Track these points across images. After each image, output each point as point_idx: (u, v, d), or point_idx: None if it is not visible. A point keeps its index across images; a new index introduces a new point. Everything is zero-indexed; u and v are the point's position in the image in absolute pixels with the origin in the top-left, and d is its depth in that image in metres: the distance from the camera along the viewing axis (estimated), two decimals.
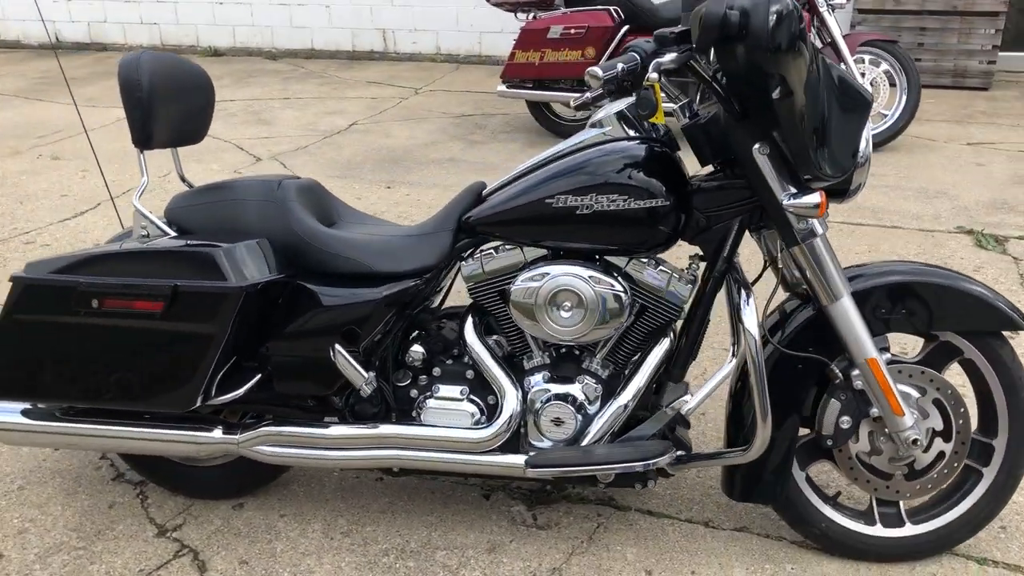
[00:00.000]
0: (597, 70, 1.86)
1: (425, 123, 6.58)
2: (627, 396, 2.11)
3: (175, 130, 2.24)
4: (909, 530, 2.17)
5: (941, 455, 2.11)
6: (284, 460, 2.22)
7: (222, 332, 2.05)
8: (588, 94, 2.46)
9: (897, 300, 2.06)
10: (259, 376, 2.20)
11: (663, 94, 2.14)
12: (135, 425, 2.22)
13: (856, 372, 2.05)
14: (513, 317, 2.12)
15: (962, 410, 2.10)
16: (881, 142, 5.60)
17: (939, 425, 2.10)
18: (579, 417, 2.12)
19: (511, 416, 2.12)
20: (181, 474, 2.46)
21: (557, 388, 2.14)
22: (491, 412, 2.19)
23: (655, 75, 1.86)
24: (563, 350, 2.20)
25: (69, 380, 2.13)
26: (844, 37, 5.41)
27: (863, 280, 2.07)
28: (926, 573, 2.16)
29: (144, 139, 2.18)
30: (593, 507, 2.41)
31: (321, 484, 2.53)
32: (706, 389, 2.09)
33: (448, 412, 2.19)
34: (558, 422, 2.12)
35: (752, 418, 2.07)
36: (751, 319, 1.97)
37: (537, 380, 2.16)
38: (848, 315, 2.01)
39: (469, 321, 2.20)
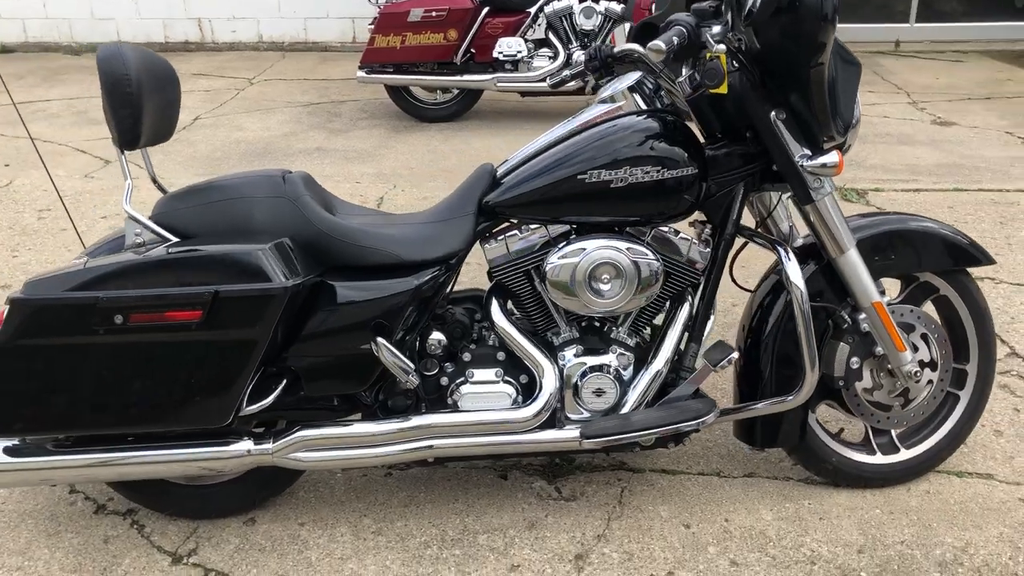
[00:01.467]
0: (660, 43, 1.91)
1: (275, 114, 6.34)
2: (661, 361, 2.19)
3: (152, 128, 2.08)
4: (904, 455, 2.40)
5: (930, 383, 2.34)
6: (325, 464, 2.13)
7: (264, 337, 1.93)
8: (566, 72, 2.52)
9: (888, 247, 2.25)
10: (284, 381, 2.10)
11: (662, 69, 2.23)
12: (152, 448, 2.06)
13: (863, 316, 2.23)
14: (550, 294, 2.14)
15: (944, 341, 2.34)
16: None
17: (927, 357, 2.33)
18: (617, 386, 2.18)
19: (552, 392, 2.15)
20: (182, 495, 2.30)
21: (592, 360, 2.19)
22: (526, 391, 2.20)
23: (722, 47, 1.93)
24: (588, 323, 2.25)
25: (84, 407, 1.95)
26: None
27: (859, 232, 2.25)
28: (920, 491, 2.40)
29: (132, 139, 2.01)
30: (609, 473, 2.48)
31: (329, 487, 2.45)
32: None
33: (486, 396, 2.18)
34: (599, 392, 2.17)
35: (770, 368, 2.22)
36: (795, 273, 2.09)
37: (569, 355, 2.20)
38: (855, 265, 2.18)
39: (494, 303, 2.20)
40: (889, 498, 2.37)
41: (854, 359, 2.26)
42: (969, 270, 2.35)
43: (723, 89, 1.96)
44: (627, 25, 2.53)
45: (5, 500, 2.40)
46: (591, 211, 2.12)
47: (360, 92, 6.80)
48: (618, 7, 5.67)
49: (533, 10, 5.76)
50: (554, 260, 2.11)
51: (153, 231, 2.04)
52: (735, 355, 2.16)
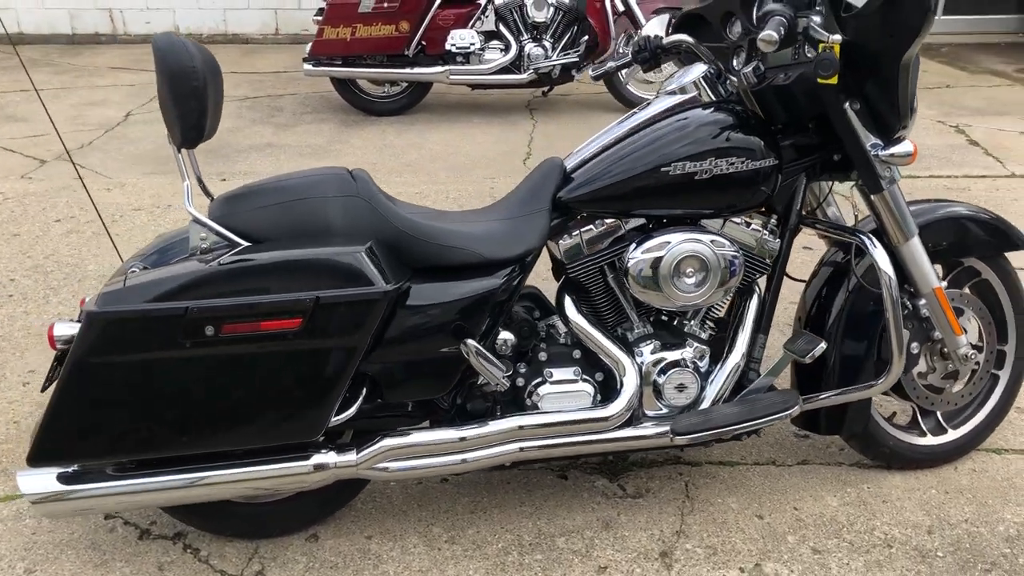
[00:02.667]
0: (773, 34, 1.89)
1: None
2: (737, 354, 2.18)
3: (210, 124, 1.94)
4: (951, 435, 2.47)
5: (977, 364, 2.41)
6: (412, 474, 2.04)
7: (363, 344, 1.83)
8: (611, 63, 2.49)
9: (942, 234, 2.31)
10: (365, 389, 2.00)
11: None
12: (230, 466, 1.92)
13: (923, 302, 2.28)
14: (630, 289, 2.11)
15: (990, 324, 2.42)
16: None
17: (975, 340, 2.40)
18: (698, 380, 2.16)
19: (635, 389, 2.11)
20: (242, 514, 2.16)
21: (671, 355, 2.16)
22: (602, 389, 2.16)
23: (838, 37, 1.92)
24: (659, 318, 2.23)
25: (165, 427, 1.80)
26: (638, 4, 5.77)
27: (915, 219, 2.29)
28: (966, 469, 2.47)
29: (196, 136, 1.88)
30: (669, 468, 2.46)
31: (387, 496, 2.35)
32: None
33: (567, 395, 2.13)
34: (681, 388, 2.15)
35: (835, 357, 2.25)
36: (884, 259, 2.11)
37: (646, 350, 2.17)
38: (918, 252, 2.22)
39: (568, 301, 2.15)
40: (941, 478, 2.44)
41: (914, 344, 2.31)
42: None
43: (834, 80, 1.96)
44: (665, 16, 2.49)
45: (35, 531, 2.21)
46: (672, 204, 2.09)
47: (297, 86, 6.59)
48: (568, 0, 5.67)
49: (483, 1, 5.70)
50: (637, 255, 2.08)
51: (221, 235, 1.90)
52: (824, 345, 2.17)
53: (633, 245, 2.09)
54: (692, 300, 2.10)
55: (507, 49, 5.70)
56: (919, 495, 2.37)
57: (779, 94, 2.14)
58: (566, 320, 2.14)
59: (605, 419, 2.10)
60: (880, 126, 2.10)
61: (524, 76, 5.72)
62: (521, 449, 2.08)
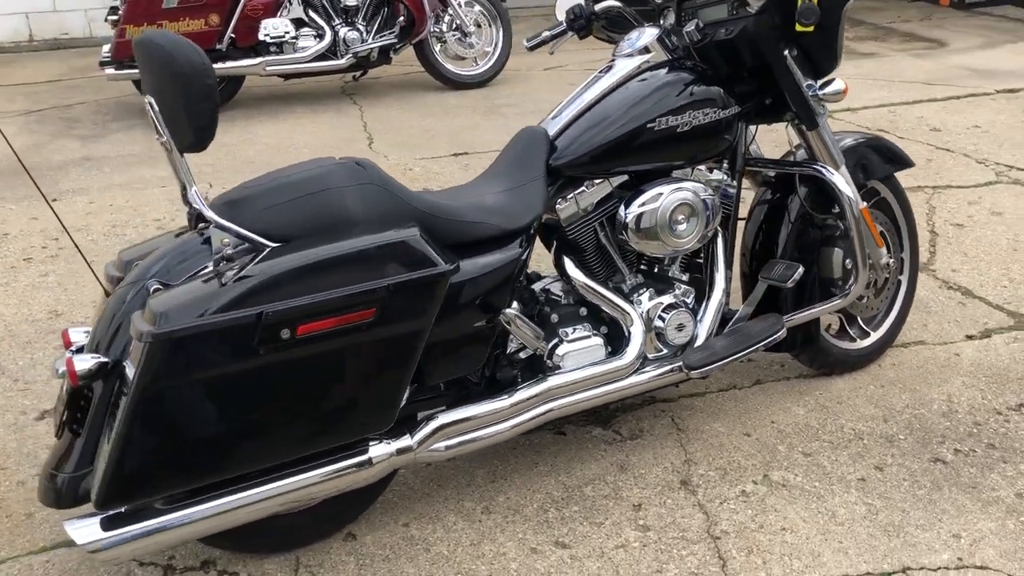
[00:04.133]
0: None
1: None
2: (719, 290, 2.38)
3: None
4: (873, 338, 2.82)
5: (890, 272, 2.77)
6: (462, 450, 2.06)
7: (428, 325, 1.83)
8: (545, 33, 2.59)
9: (852, 161, 2.62)
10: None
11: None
12: (288, 475, 1.85)
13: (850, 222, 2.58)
14: (631, 242, 2.23)
15: (894, 235, 2.78)
16: (491, 77, 6.21)
17: (888, 251, 2.75)
18: (693, 319, 2.33)
19: (643, 334, 2.25)
20: (274, 528, 2.07)
21: (666, 299, 2.31)
22: (609, 340, 2.28)
23: None
24: (645, 269, 2.37)
25: (238, 444, 1.72)
26: None
27: None
28: (888, 365, 2.83)
29: (206, 138, 1.79)
30: (648, 408, 2.63)
31: (404, 485, 2.33)
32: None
33: (584, 351, 2.22)
34: (680, 327, 2.30)
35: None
36: (843, 183, 2.37)
37: (644, 298, 2.31)
38: (847, 178, 2.52)
39: (568, 262, 2.24)
40: (872, 375, 2.78)
41: (848, 260, 2.61)
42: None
43: (811, 28, 2.16)
44: None
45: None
46: (657, 157, 2.23)
47: (83, 93, 6.09)
48: None
49: None
50: (635, 208, 2.20)
51: (247, 237, 1.82)
52: (802, 269, 2.40)
53: (628, 200, 2.22)
54: (684, 244, 2.26)
55: (321, 36, 5.59)
56: (863, 392, 2.69)
57: (721, 48, 2.34)
58: (568, 280, 2.23)
59: (624, 367, 2.22)
60: (814, 69, 2.36)
61: (343, 62, 5.64)
62: (551, 409, 2.16)
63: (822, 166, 2.42)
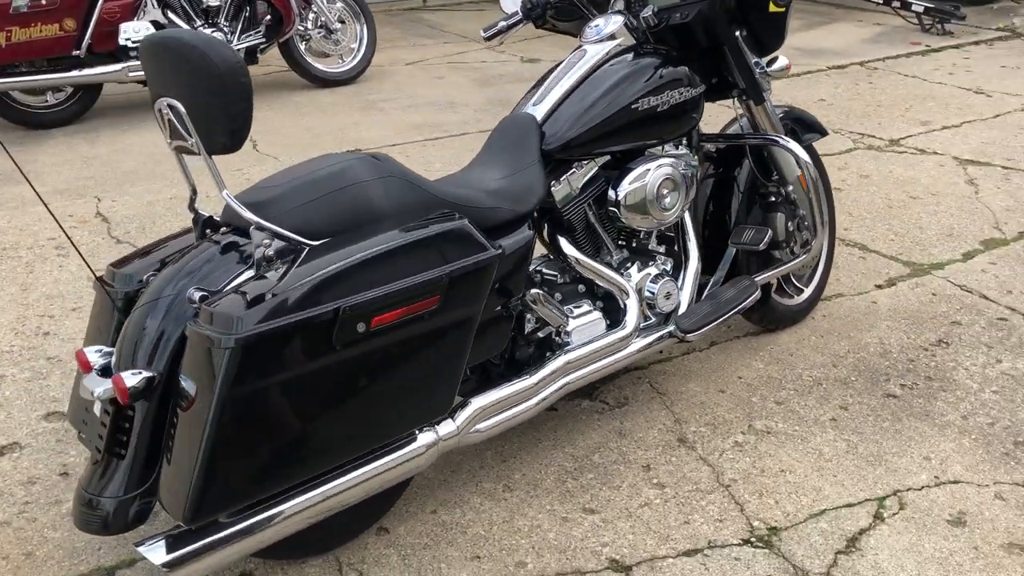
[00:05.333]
0: None
1: None
2: (695, 258, 2.54)
3: None
4: (806, 293, 3.07)
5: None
6: (498, 430, 2.11)
7: (480, 310, 1.87)
8: (502, 23, 2.68)
9: (785, 131, 2.85)
10: None
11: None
12: (344, 472, 1.84)
13: (790, 187, 2.81)
14: (623, 218, 2.34)
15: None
16: (359, 73, 6.16)
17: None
18: (677, 287, 2.48)
19: (637, 305, 2.38)
20: (309, 529, 2.05)
21: (652, 271, 2.45)
22: (607, 313, 2.39)
23: None
24: (627, 243, 2.50)
25: (319, 441, 1.70)
26: None
27: None
28: (820, 316, 3.10)
29: (241, 139, 1.76)
30: (625, 377, 2.76)
31: (420, 474, 2.35)
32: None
33: (589, 326, 2.32)
34: (668, 295, 2.45)
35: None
36: (801, 150, 2.57)
37: (633, 271, 2.43)
38: (787, 147, 2.74)
39: (563, 242, 2.33)
40: (811, 328, 3.04)
41: (790, 223, 2.84)
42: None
43: (784, 8, 2.34)
44: None
45: None
46: (639, 136, 2.36)
47: None
48: None
49: None
50: (625, 186, 2.32)
51: (287, 237, 1.80)
52: (771, 232, 2.59)
53: (616, 179, 2.33)
54: (669, 216, 2.40)
55: None
56: (807, 343, 2.94)
57: (676, 31, 2.49)
58: (564, 260, 2.32)
59: (626, 336, 2.34)
60: (760, 48, 2.56)
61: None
62: (568, 383, 2.25)
63: (781, 137, 2.63)
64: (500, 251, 1.89)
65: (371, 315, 1.68)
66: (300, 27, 5.74)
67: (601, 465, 2.38)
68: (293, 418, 1.66)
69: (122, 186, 4.35)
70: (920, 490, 2.27)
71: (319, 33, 5.86)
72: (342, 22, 6.01)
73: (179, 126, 1.77)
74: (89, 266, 1.91)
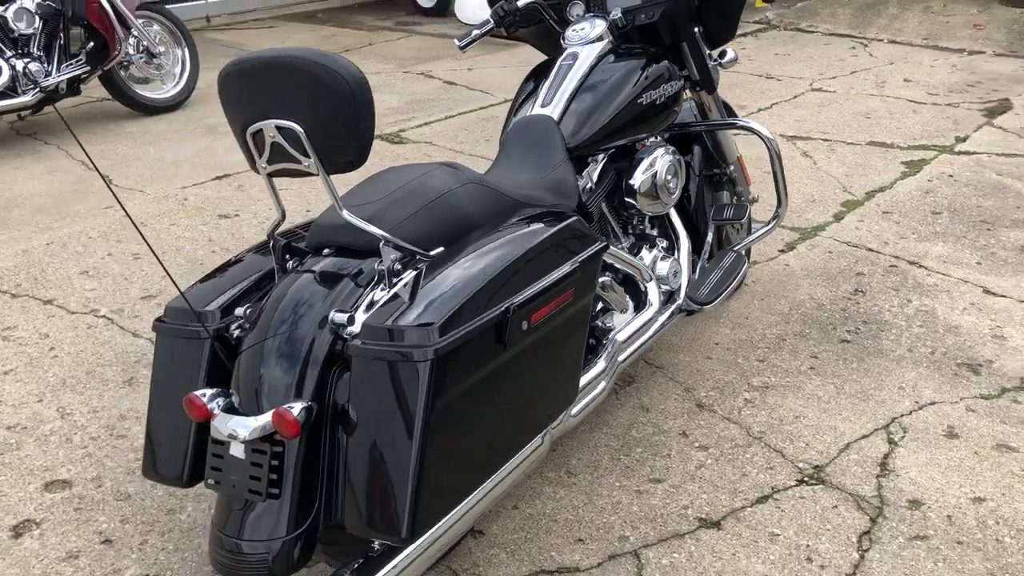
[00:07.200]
0: None
1: None
2: (684, 237, 2.75)
3: None
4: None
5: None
6: (583, 415, 2.20)
7: (592, 297, 1.96)
8: (475, 31, 2.78)
9: None
10: None
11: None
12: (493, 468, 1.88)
13: (731, 168, 3.10)
14: (639, 204, 2.50)
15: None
16: (185, 98, 5.86)
17: None
18: (680, 265, 2.68)
19: (656, 285, 2.55)
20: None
21: (657, 252, 2.63)
22: (630, 295, 2.54)
23: None
24: (632, 230, 2.66)
25: (495, 442, 1.73)
26: (123, 2, 5.42)
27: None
28: (752, 280, 3.43)
29: (367, 154, 1.75)
30: None
31: None
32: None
33: (623, 309, 2.46)
34: (676, 274, 2.64)
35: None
36: (766, 130, 2.83)
37: (643, 254, 2.60)
38: (728, 133, 3.03)
39: None
40: (750, 293, 3.35)
41: (733, 199, 3.13)
42: None
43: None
44: None
45: None
46: (644, 129, 2.53)
47: None
48: (54, 3, 5.04)
49: None
50: (638, 175, 2.48)
51: (409, 250, 1.80)
52: (750, 207, 2.84)
53: (630, 170, 2.49)
54: (672, 200, 2.60)
55: None
56: (754, 306, 3.25)
57: (642, 31, 2.69)
58: None
59: (654, 314, 2.51)
60: (710, 41, 2.82)
61: (29, 98, 4.97)
62: (622, 362, 2.39)
63: (748, 120, 2.90)
64: (606, 242, 2.00)
65: (531, 312, 1.73)
66: (125, 52, 5.38)
67: (643, 439, 2.53)
68: (479, 420, 1.68)
69: (20, 225, 3.91)
70: (910, 415, 2.62)
71: (140, 58, 5.51)
72: (163, 46, 5.69)
73: (290, 148, 1.72)
74: None
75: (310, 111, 1.67)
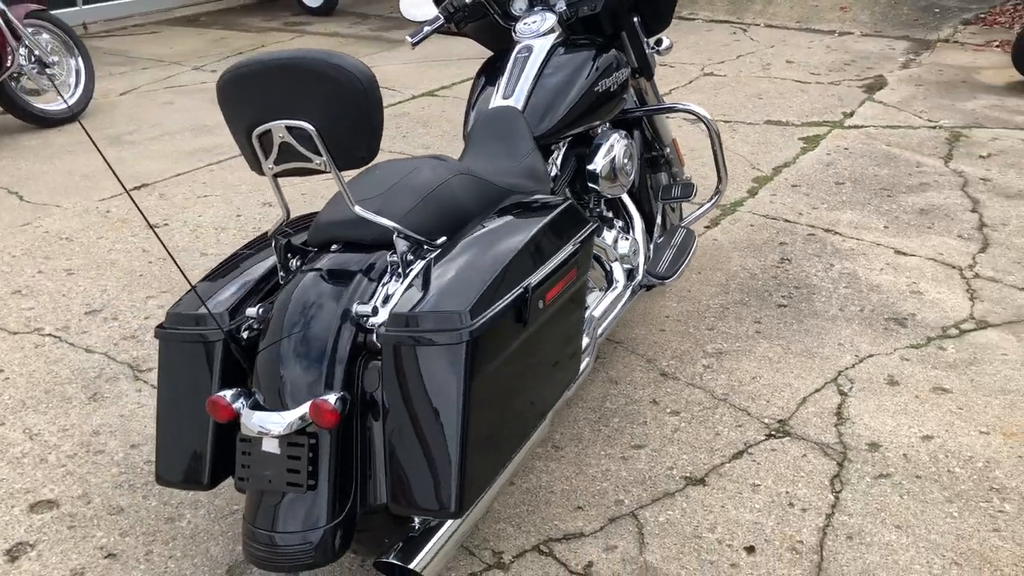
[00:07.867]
0: None
1: None
2: (638, 217, 2.89)
3: None
4: None
5: None
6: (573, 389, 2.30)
7: (587, 276, 2.06)
8: (427, 27, 2.86)
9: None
10: None
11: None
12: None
13: (667, 150, 3.27)
14: (600, 188, 2.62)
15: None
16: (83, 108, 5.66)
17: None
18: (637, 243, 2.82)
19: (619, 263, 2.69)
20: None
21: (616, 232, 2.77)
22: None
23: None
24: (589, 211, 2.79)
25: (522, 416, 1.83)
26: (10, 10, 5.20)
27: None
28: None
29: (377, 149, 1.82)
30: None
31: None
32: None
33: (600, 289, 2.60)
34: (635, 252, 2.78)
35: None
36: (707, 113, 2.99)
37: (605, 234, 2.73)
38: (664, 117, 3.20)
39: None
40: (688, 267, 3.54)
41: (670, 179, 3.30)
42: None
43: None
44: None
45: None
46: (600, 115, 2.66)
47: None
48: None
49: None
50: (599, 160, 2.61)
51: (418, 240, 1.87)
52: (695, 184, 3.00)
53: (590, 155, 2.61)
54: (630, 182, 2.74)
55: None
56: (692, 280, 3.44)
57: (585, 22, 2.82)
58: None
59: (622, 290, 2.65)
60: (649, 31, 2.97)
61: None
62: (596, 339, 2.51)
63: (689, 104, 3.06)
64: (598, 223, 2.11)
65: (545, 292, 1.83)
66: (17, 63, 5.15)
67: (618, 410, 2.67)
68: (507, 396, 1.76)
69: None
70: (853, 368, 2.85)
71: (33, 69, 5.29)
72: (55, 55, 5.48)
73: (300, 148, 1.76)
74: None
75: (323, 110, 1.72)
